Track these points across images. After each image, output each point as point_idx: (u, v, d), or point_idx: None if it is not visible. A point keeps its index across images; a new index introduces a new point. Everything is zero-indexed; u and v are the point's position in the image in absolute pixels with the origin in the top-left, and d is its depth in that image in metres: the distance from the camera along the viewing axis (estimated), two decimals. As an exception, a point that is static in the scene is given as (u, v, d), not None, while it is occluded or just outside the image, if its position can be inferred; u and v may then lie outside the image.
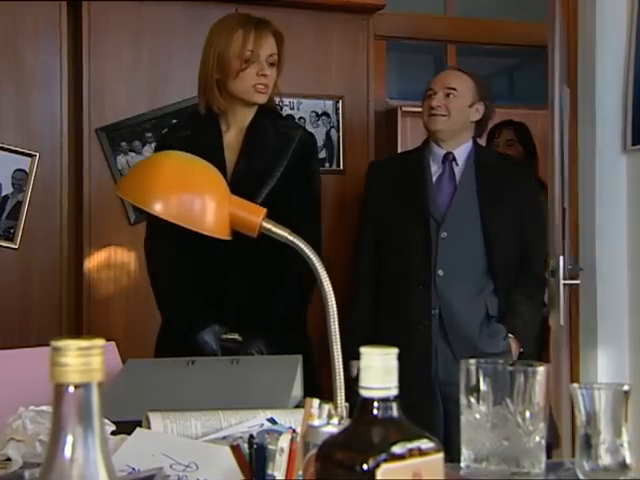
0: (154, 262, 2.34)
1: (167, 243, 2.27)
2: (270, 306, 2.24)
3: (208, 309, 2.24)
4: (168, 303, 2.30)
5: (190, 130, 2.33)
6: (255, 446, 1.20)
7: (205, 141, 2.26)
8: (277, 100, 2.41)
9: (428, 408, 2.73)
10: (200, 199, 1.28)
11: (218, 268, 2.26)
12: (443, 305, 2.80)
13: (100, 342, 0.63)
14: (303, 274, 2.25)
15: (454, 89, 2.89)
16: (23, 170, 3.13)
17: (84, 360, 0.62)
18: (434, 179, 2.91)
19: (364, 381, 0.77)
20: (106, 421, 1.27)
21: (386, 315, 2.88)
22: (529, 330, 2.91)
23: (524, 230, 2.92)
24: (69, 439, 0.62)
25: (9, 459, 1.26)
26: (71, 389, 0.62)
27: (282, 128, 2.36)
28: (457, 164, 2.92)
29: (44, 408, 1.29)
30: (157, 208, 1.26)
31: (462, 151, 2.93)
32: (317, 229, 2.31)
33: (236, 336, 2.22)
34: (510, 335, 2.84)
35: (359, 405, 0.78)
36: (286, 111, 3.42)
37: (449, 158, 2.91)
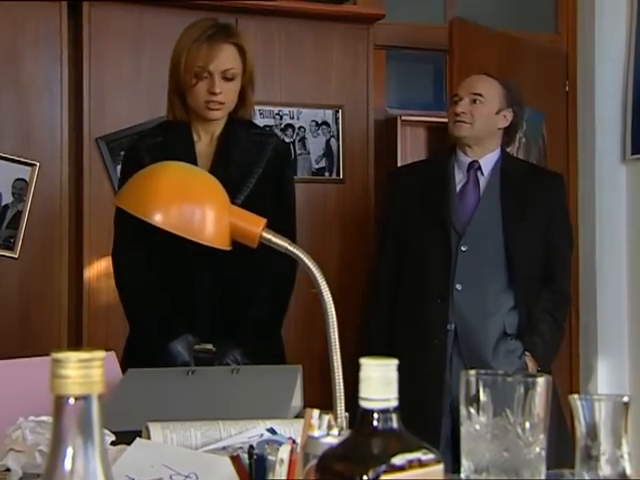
0: (122, 272, 2.30)
1: (135, 253, 2.25)
2: (244, 313, 2.20)
3: (179, 318, 2.20)
4: (138, 313, 2.25)
5: (161, 137, 2.30)
6: (255, 457, 1.20)
7: (177, 149, 2.22)
8: (251, 110, 2.35)
9: (438, 421, 2.67)
10: (200, 209, 1.29)
11: (188, 277, 2.22)
12: (459, 320, 2.72)
13: (100, 354, 0.63)
14: (278, 280, 2.24)
15: (480, 95, 2.81)
16: (23, 179, 3.13)
17: (84, 372, 0.62)
18: (458, 188, 2.83)
19: (364, 392, 0.77)
20: (106, 431, 1.27)
21: (403, 326, 2.82)
22: (549, 350, 2.79)
23: (550, 246, 2.81)
24: (69, 451, 0.62)
25: (8, 470, 1.26)
26: (71, 401, 0.62)
27: (256, 136, 2.32)
28: (482, 174, 2.83)
29: (44, 418, 1.29)
30: (157, 218, 1.26)
31: (489, 160, 2.83)
32: (292, 237, 2.24)
33: (209, 346, 2.18)
34: (527, 353, 2.74)
35: (359, 416, 0.78)
36: (286, 120, 3.43)
37: (474, 167, 2.83)
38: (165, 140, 2.28)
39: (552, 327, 2.79)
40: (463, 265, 2.74)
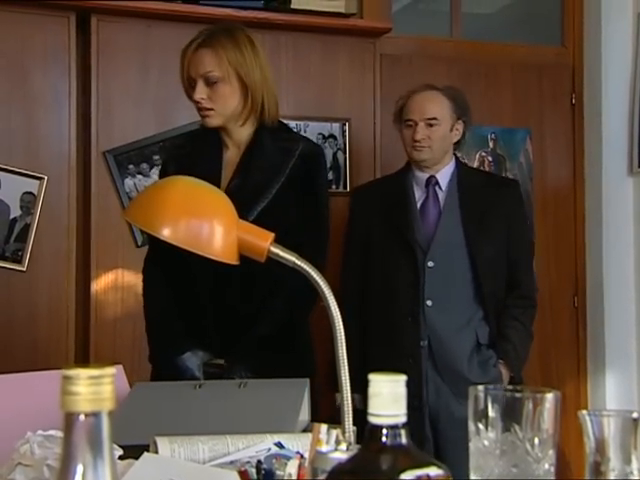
0: (146, 283, 2.34)
1: (155, 266, 2.28)
2: (255, 328, 2.17)
3: (190, 333, 2.20)
4: (150, 327, 2.29)
5: (190, 147, 2.30)
6: (263, 471, 1.20)
7: (203, 159, 2.22)
8: (268, 115, 2.26)
9: (420, 440, 2.64)
10: (208, 224, 1.29)
11: (204, 293, 2.21)
12: (432, 336, 2.74)
13: (111, 370, 0.63)
14: (294, 294, 2.18)
15: (434, 118, 2.81)
16: (31, 193, 3.14)
17: (94, 389, 0.62)
18: (419, 205, 2.85)
19: (373, 408, 0.77)
20: (113, 445, 1.27)
21: (376, 345, 2.80)
22: (519, 354, 2.81)
23: (511, 252, 2.84)
24: (79, 468, 0.62)
25: (17, 484, 1.26)
26: (81, 418, 0.63)
27: (282, 142, 2.26)
28: (441, 188, 2.85)
29: (52, 432, 1.29)
30: (165, 233, 1.27)
31: (445, 173, 2.86)
32: (321, 249, 2.20)
33: (221, 362, 2.16)
34: (500, 361, 2.77)
35: (367, 432, 0.78)
36: (293, 133, 3.43)
37: (432, 182, 2.85)
38: (193, 150, 2.28)
39: (520, 333, 2.81)
40: (431, 281, 2.76)
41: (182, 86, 2.29)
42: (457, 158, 2.94)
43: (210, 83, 2.19)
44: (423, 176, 2.86)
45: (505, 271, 2.83)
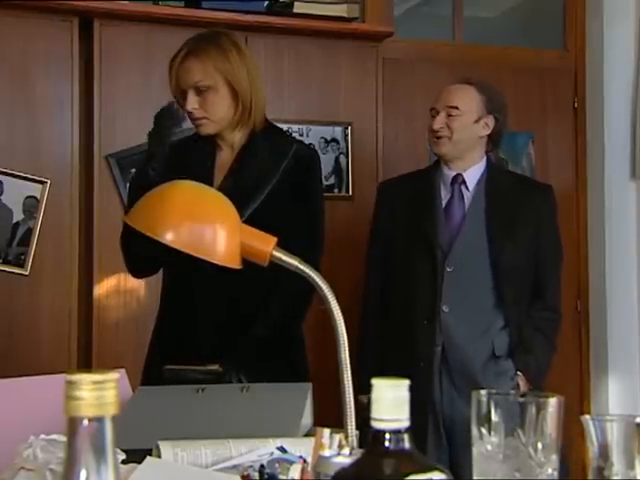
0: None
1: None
2: (251, 332, 2.17)
3: (183, 340, 2.22)
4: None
5: (185, 149, 2.31)
6: (266, 476, 1.19)
7: (196, 161, 2.23)
8: (254, 118, 2.26)
9: (421, 444, 2.60)
10: (211, 228, 1.29)
11: (197, 297, 2.22)
12: (447, 342, 2.64)
13: (114, 375, 0.63)
14: (291, 297, 2.19)
15: (456, 107, 2.69)
16: (34, 197, 3.14)
17: (98, 394, 0.62)
18: (444, 204, 2.73)
19: (375, 413, 0.77)
20: (116, 449, 1.26)
21: (392, 346, 2.73)
22: (541, 368, 2.70)
23: (538, 261, 2.72)
24: (82, 473, 0.62)
25: (19, 488, 1.26)
26: (85, 422, 0.63)
27: (276, 144, 2.27)
28: (467, 188, 2.73)
29: (55, 437, 1.29)
30: (168, 237, 1.27)
31: (473, 173, 2.73)
32: (312, 253, 2.16)
33: (215, 367, 2.14)
34: (518, 373, 2.65)
35: (370, 437, 0.78)
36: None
37: (458, 181, 2.72)
38: (188, 152, 2.28)
39: (543, 344, 2.71)
40: (449, 286, 2.65)
41: (173, 96, 2.28)
42: (489, 158, 2.81)
43: (200, 92, 2.20)
44: (449, 174, 2.73)
45: (530, 280, 2.71)
